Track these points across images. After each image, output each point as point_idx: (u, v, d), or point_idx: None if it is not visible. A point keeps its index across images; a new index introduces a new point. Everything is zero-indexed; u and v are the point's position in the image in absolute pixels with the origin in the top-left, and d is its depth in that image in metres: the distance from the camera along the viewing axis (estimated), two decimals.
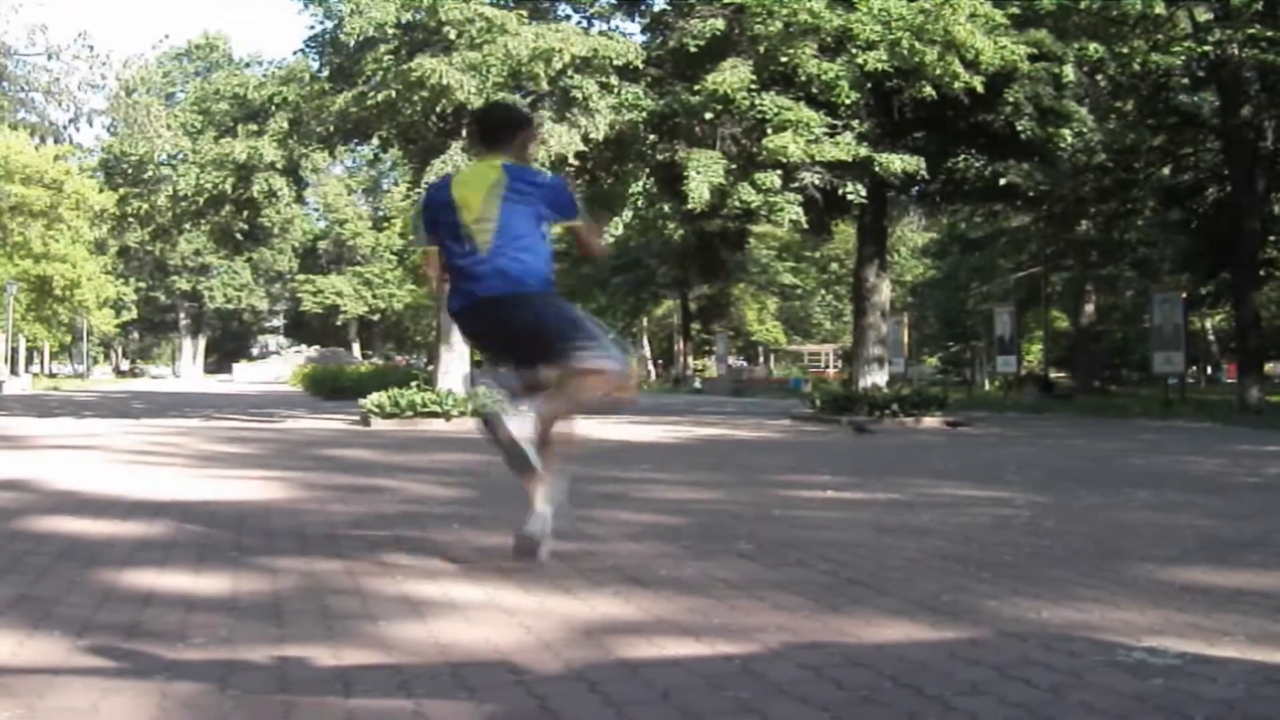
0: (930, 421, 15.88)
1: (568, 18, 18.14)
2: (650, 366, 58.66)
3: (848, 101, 15.83)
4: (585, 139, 15.80)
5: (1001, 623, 3.08)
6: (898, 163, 16.22)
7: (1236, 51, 19.62)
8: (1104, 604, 3.34)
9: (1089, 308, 35.08)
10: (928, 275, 52.62)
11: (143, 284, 71.67)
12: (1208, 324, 44.45)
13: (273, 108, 17.20)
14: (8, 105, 25.28)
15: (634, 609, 3.27)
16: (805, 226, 17.19)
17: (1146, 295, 27.59)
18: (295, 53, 18.76)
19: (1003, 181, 19.88)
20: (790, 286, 58.58)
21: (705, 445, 12.07)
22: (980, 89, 15.51)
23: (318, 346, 70.88)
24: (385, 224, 73.04)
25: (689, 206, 16.19)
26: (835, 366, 51.22)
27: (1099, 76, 19.32)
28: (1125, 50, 18.48)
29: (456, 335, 15.38)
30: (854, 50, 15.50)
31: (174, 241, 29.86)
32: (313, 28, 17.71)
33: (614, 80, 16.09)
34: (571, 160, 16.60)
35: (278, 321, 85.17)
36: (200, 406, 21.71)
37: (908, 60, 15.24)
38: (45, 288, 46.71)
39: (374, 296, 74.21)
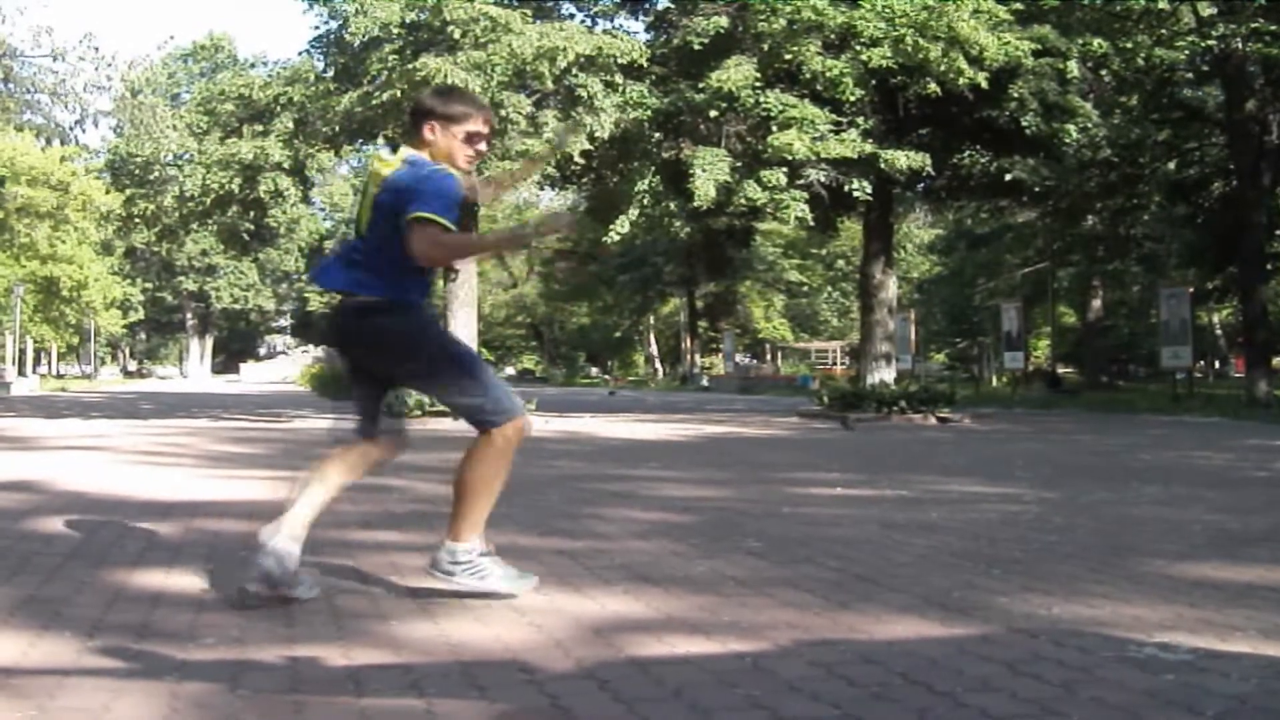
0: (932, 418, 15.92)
1: (571, 16, 18.15)
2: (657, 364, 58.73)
3: (852, 98, 15.82)
4: (591, 137, 15.81)
5: (1012, 619, 3.08)
6: (903, 159, 16.20)
7: (1240, 45, 19.59)
8: (1114, 600, 3.34)
9: (1096, 303, 35.03)
10: (934, 272, 52.60)
11: (149, 285, 71.87)
12: (1215, 319, 44.37)
13: (278, 108, 17.21)
14: (14, 107, 25.42)
15: (644, 607, 3.27)
16: (811, 224, 17.17)
17: (1154, 290, 27.56)
18: (300, 53, 18.78)
19: (1008, 177, 19.92)
20: (797, 284, 58.53)
21: (713, 443, 12.06)
22: (985, 85, 15.50)
23: (325, 346, 70.84)
24: None
25: (695, 204, 16.18)
26: (843, 363, 51.23)
27: (1103, 72, 19.30)
28: (1129, 45, 18.45)
29: (464, 333, 15.41)
30: (858, 47, 15.49)
31: (180, 242, 29.94)
32: (318, 28, 17.74)
33: (618, 79, 16.10)
34: (577, 159, 16.62)
35: (285, 321, 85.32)
36: (208, 407, 21.74)
37: (912, 57, 15.23)
38: (52, 289, 46.82)
39: None
